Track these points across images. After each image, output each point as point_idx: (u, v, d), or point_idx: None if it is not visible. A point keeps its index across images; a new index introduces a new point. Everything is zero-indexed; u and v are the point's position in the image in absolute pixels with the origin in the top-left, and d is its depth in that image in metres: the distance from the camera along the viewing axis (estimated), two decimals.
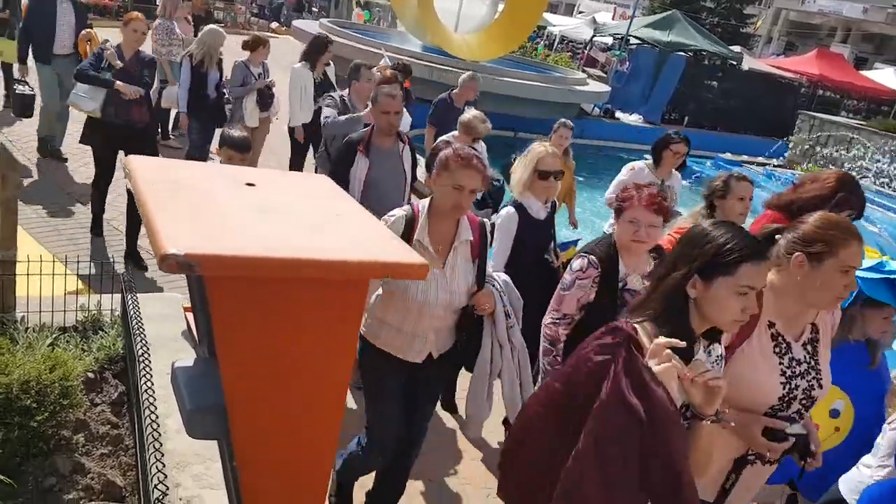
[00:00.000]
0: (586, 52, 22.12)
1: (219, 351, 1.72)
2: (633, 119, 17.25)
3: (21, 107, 6.64)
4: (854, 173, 13.36)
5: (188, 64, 6.13)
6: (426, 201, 2.67)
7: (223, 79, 6.31)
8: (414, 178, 4.33)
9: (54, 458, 2.48)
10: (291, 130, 6.52)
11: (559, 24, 24.85)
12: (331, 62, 6.74)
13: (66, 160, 6.60)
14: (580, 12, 28.65)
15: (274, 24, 22.06)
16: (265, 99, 6.41)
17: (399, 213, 2.66)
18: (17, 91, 6.59)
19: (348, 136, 4.17)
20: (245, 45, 6.47)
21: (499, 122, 12.67)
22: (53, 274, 3.15)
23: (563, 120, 5.88)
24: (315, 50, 6.37)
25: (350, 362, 1.87)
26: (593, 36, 22.19)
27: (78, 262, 3.26)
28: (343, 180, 3.84)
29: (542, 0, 14.22)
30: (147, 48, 5.92)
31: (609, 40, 23.12)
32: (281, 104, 6.70)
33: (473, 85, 6.83)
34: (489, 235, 2.82)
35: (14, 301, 3.19)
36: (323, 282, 1.67)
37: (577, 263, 2.84)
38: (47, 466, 2.45)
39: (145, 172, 1.95)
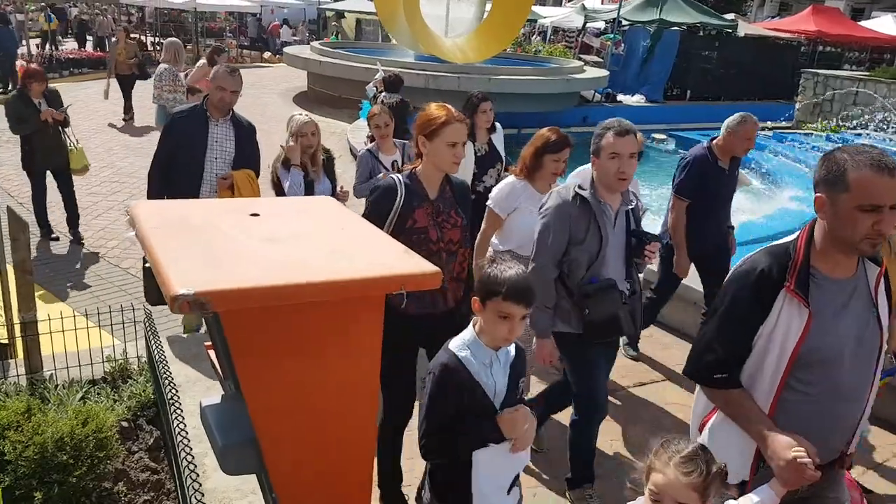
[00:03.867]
0: (580, 39, 22.01)
1: (242, 385, 1.70)
2: (636, 100, 17.10)
3: (157, 289, 3.21)
4: (868, 126, 13.13)
5: (286, 172, 3.99)
6: None
7: (338, 188, 4.19)
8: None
9: None
10: None
11: (549, 14, 24.77)
12: (497, 126, 4.91)
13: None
14: (569, 1, 28.51)
15: (266, 54, 22.25)
16: None
17: None
18: (147, 265, 3.52)
19: (748, 261, 1.97)
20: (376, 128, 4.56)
21: (502, 120, 12.66)
22: (76, 329, 3.16)
23: None
24: (469, 112, 4.53)
25: (376, 377, 1.85)
26: (585, 23, 22.08)
27: (98, 313, 3.27)
28: (734, 353, 1.94)
29: None
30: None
31: (601, 25, 23.01)
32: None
33: (748, 130, 4.03)
34: None
35: (41, 360, 3.21)
36: (337, 303, 1.65)
37: None
38: None
39: (148, 216, 1.94)
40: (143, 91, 12.25)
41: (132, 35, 14.11)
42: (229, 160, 4.02)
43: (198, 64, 8.06)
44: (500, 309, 1.84)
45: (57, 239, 5.99)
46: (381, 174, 4.36)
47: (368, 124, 4.71)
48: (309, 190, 4.01)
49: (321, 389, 1.75)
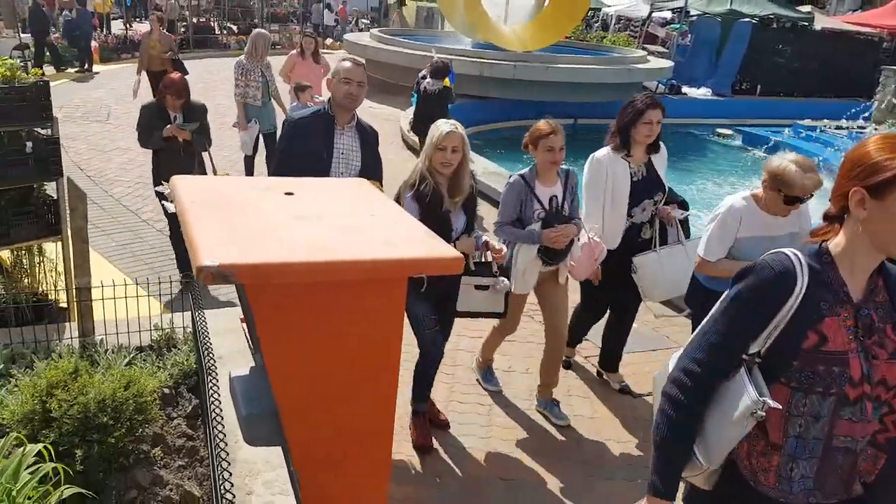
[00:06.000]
0: (644, 28, 21.45)
1: (265, 357, 1.75)
2: (702, 93, 16.61)
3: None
4: None
5: (412, 203, 3.11)
6: None
7: (474, 225, 3.31)
8: None
9: (135, 471, 2.59)
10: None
11: (614, 3, 24.21)
12: (661, 145, 3.69)
13: None
14: None
15: (328, 41, 22.55)
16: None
17: None
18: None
19: None
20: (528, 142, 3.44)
21: (557, 110, 12.52)
22: (126, 297, 3.30)
23: None
24: (627, 120, 3.50)
25: (397, 361, 1.86)
26: (651, 12, 21.51)
27: (148, 283, 3.40)
28: None
29: None
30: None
31: (668, 15, 22.36)
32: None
33: None
34: None
35: (93, 325, 3.37)
36: (359, 283, 1.67)
37: None
38: (129, 480, 2.56)
39: (188, 191, 2.00)
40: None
41: (192, 21, 14.03)
42: (355, 174, 3.43)
43: (289, 55, 7.81)
44: None
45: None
46: (536, 211, 3.40)
47: (531, 146, 3.43)
48: (440, 226, 2.75)
49: (341, 367, 1.78)
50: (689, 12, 18.87)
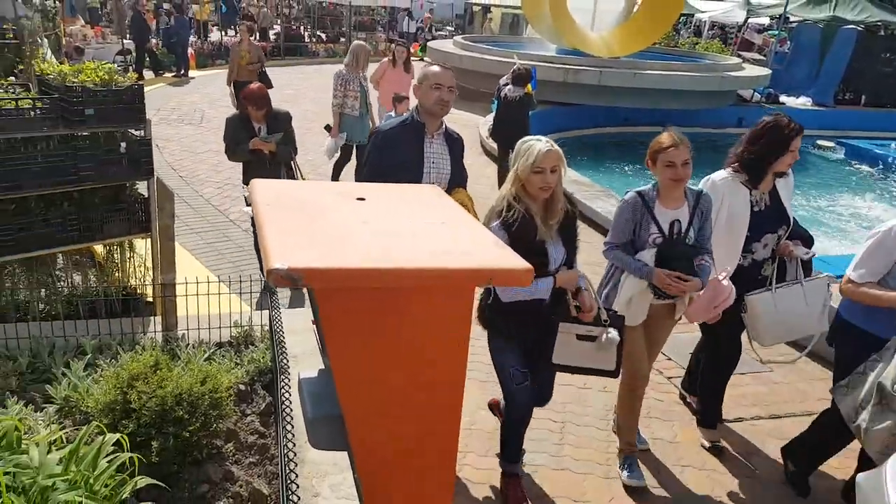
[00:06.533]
0: (740, 35, 20.55)
1: (331, 361, 1.72)
2: (801, 102, 15.73)
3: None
4: None
5: (500, 233, 2.70)
6: None
7: (574, 259, 2.90)
8: None
9: (207, 466, 2.64)
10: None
11: (708, 9, 23.32)
12: (790, 172, 3.27)
13: None
14: None
15: (413, 48, 22.89)
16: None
17: None
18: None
19: None
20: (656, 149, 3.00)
21: (646, 118, 12.17)
22: (209, 294, 3.40)
23: None
24: (772, 148, 3.08)
25: (463, 368, 1.80)
26: (747, 17, 20.58)
27: (230, 281, 3.49)
28: None
29: None
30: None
31: (766, 21, 21.36)
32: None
33: None
34: None
35: (176, 320, 3.48)
36: (427, 289, 1.62)
37: None
38: (201, 474, 2.61)
39: (264, 194, 2.02)
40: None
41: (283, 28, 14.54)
42: (444, 183, 3.27)
43: (381, 62, 7.99)
44: None
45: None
46: (652, 235, 2.99)
47: (650, 162, 3.03)
48: (538, 258, 2.59)
49: (406, 374, 1.74)
50: (788, 18, 17.93)
